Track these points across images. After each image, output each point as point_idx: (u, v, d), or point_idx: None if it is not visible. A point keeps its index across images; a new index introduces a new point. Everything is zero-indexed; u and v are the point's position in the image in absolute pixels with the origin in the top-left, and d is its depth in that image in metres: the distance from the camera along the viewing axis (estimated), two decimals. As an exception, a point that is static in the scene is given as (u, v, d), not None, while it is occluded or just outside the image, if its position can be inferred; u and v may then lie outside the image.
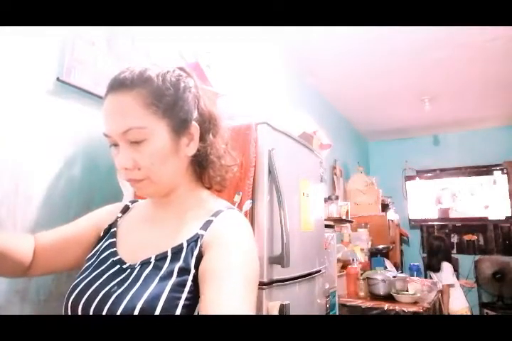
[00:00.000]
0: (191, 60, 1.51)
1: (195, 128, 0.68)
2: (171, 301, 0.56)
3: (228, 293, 0.54)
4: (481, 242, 4.41)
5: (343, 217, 2.64)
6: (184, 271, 0.60)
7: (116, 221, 0.76)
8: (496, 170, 4.35)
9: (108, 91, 0.64)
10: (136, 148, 0.62)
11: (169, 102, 0.64)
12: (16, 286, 0.95)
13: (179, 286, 0.58)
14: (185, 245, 0.62)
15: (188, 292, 0.58)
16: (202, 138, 0.70)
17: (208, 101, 0.73)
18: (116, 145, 0.65)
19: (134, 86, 0.62)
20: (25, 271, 0.72)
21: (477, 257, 4.21)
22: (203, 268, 0.59)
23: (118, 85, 0.63)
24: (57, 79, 1.09)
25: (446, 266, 3.29)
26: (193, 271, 0.60)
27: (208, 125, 0.71)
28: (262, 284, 1.06)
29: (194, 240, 0.63)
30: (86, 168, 1.18)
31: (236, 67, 1.98)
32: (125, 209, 0.79)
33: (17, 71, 1.01)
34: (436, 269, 3.30)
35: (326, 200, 2.43)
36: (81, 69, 1.15)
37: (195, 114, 0.69)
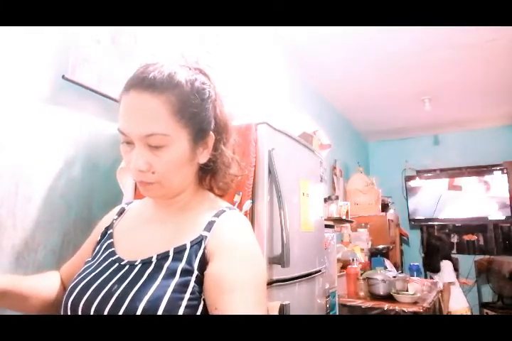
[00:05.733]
0: (192, 59, 1.51)
1: (211, 137, 0.69)
2: (174, 302, 0.56)
3: (245, 308, 0.56)
4: (481, 242, 4.41)
5: (343, 217, 2.64)
6: (187, 272, 0.60)
7: (112, 223, 0.76)
8: (496, 170, 4.35)
9: (132, 87, 0.62)
10: (155, 152, 0.61)
11: (194, 112, 0.64)
12: (16, 286, 0.95)
13: (182, 287, 0.58)
14: (188, 246, 0.62)
15: (191, 293, 0.58)
16: (214, 147, 0.70)
17: (223, 109, 0.72)
18: (130, 143, 0.63)
19: (164, 90, 0.61)
20: None
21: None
22: (213, 277, 0.59)
23: (147, 85, 0.60)
24: (63, 76, 1.09)
25: (447, 264, 3.29)
26: (196, 272, 0.60)
27: (221, 134, 0.71)
28: (262, 284, 1.06)
29: (198, 242, 0.63)
30: (86, 168, 1.18)
31: (236, 67, 1.98)
32: (121, 212, 0.79)
33: (17, 72, 1.01)
34: (436, 269, 3.30)
35: (326, 200, 2.43)
36: (86, 67, 1.15)
37: (213, 124, 0.69)
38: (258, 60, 2.29)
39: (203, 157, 0.69)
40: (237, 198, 1.11)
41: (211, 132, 0.68)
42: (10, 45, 0.99)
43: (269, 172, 1.16)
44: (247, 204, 1.10)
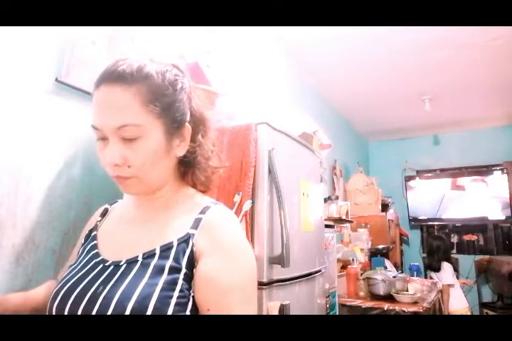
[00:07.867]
0: (191, 59, 1.51)
1: (187, 129, 0.68)
2: (163, 300, 0.56)
3: (239, 309, 0.58)
4: (481, 242, 4.41)
5: (343, 217, 2.64)
6: (175, 270, 0.59)
7: (96, 225, 0.76)
8: (496, 170, 4.34)
9: (102, 82, 0.62)
10: (129, 145, 0.61)
11: (167, 102, 0.63)
12: (15, 286, 0.95)
13: (171, 285, 0.58)
14: (175, 244, 0.62)
15: (180, 290, 0.58)
16: (192, 139, 0.70)
17: (199, 102, 0.72)
18: (104, 139, 0.63)
19: (134, 81, 0.60)
20: None
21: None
22: (205, 277, 0.60)
23: (116, 78, 0.61)
24: (56, 79, 1.08)
25: (446, 266, 3.29)
26: (184, 270, 0.60)
27: (198, 126, 0.71)
28: (262, 284, 1.06)
29: (185, 240, 0.62)
30: (86, 168, 1.18)
31: (236, 67, 1.98)
32: (104, 213, 0.79)
33: (16, 71, 1.01)
34: (437, 269, 3.30)
35: (326, 200, 2.43)
36: (81, 68, 1.15)
37: (188, 115, 0.69)
38: (258, 60, 2.29)
39: (181, 149, 0.68)
40: (237, 198, 1.11)
41: (187, 124, 0.68)
42: (8, 44, 0.99)
43: (269, 172, 1.16)
44: (247, 204, 1.10)
